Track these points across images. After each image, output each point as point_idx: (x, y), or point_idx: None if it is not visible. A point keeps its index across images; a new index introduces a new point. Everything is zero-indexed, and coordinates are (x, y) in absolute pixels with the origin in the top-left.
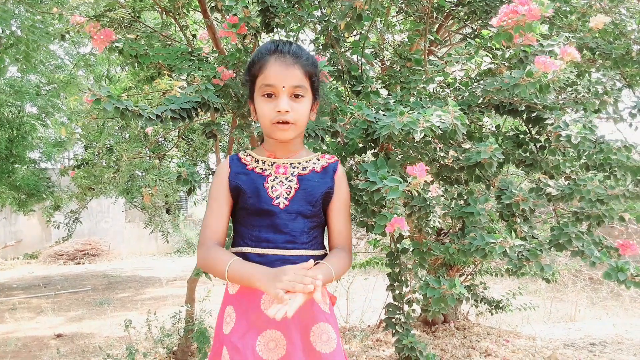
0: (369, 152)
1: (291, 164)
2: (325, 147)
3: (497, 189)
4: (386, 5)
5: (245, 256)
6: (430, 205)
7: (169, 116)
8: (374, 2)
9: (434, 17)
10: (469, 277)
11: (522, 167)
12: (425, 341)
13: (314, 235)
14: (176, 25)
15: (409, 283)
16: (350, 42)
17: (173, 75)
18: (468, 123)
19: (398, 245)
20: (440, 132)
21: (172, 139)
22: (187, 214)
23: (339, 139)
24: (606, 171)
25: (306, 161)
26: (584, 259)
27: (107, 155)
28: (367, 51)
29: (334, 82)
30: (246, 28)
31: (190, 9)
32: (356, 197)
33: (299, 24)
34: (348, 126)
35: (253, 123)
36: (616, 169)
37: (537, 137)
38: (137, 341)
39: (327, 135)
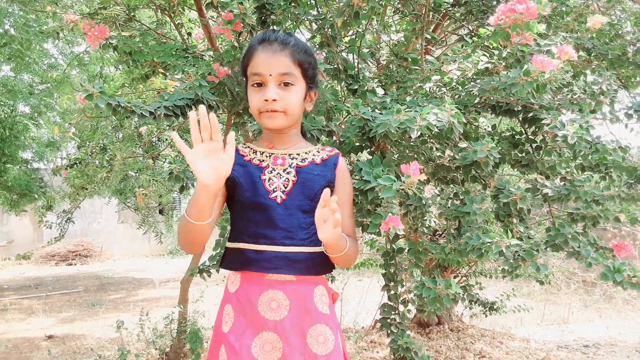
0: (364, 151)
1: (290, 155)
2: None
3: (495, 189)
4: (383, 4)
5: (242, 252)
6: (426, 204)
7: (162, 113)
8: (371, 1)
9: (431, 16)
10: (464, 278)
11: (518, 168)
12: (419, 343)
13: (314, 231)
14: (171, 24)
15: (404, 283)
16: (346, 40)
17: (168, 74)
18: (465, 122)
19: (394, 245)
20: (437, 130)
21: (166, 139)
22: (181, 215)
23: (334, 138)
24: (602, 172)
25: (305, 152)
26: (580, 259)
27: (100, 154)
28: (364, 50)
29: (330, 80)
30: (241, 25)
31: (185, 7)
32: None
33: (295, 22)
34: (344, 125)
35: (248, 122)
36: (612, 169)
37: (533, 137)
38: (129, 342)
39: (322, 135)
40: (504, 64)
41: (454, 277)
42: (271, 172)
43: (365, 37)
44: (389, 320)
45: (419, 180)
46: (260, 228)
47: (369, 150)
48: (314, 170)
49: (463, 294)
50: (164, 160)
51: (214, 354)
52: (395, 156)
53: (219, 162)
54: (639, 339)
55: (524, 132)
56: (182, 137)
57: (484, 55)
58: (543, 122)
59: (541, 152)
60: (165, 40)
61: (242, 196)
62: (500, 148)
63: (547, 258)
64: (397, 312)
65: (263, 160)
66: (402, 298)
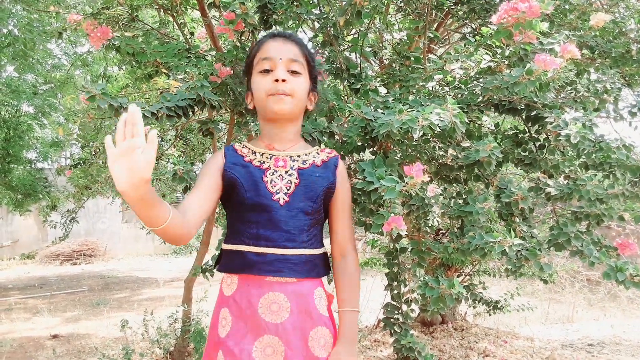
0: (367, 151)
1: (291, 157)
2: (323, 147)
3: (497, 188)
4: (386, 3)
5: (242, 255)
6: (429, 204)
7: (165, 114)
8: (373, 0)
9: (434, 15)
10: (467, 277)
11: (521, 166)
12: (423, 342)
13: (314, 234)
14: (174, 23)
15: (407, 283)
16: (349, 39)
17: (170, 74)
18: (467, 121)
19: (397, 245)
20: (439, 130)
21: (170, 139)
22: None
23: (337, 138)
24: (605, 170)
25: (306, 154)
26: (583, 258)
27: (104, 154)
28: (366, 49)
29: (333, 80)
30: (243, 25)
31: (188, 7)
32: (354, 196)
33: (297, 21)
34: (346, 125)
35: (251, 122)
36: (616, 168)
37: (537, 136)
38: (134, 342)
39: (324, 137)
40: (506, 62)
41: (458, 276)
42: (273, 173)
43: (367, 36)
44: (392, 320)
45: (422, 180)
46: (261, 229)
47: (371, 150)
48: (315, 172)
49: (466, 294)
50: (167, 160)
51: (210, 358)
52: (398, 155)
53: (133, 164)
54: None
55: (527, 130)
56: (184, 136)
57: (486, 53)
58: (546, 120)
59: (544, 150)
60: (168, 40)
61: (243, 197)
62: (503, 147)
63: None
64: (400, 311)
65: (264, 162)
66: (405, 297)
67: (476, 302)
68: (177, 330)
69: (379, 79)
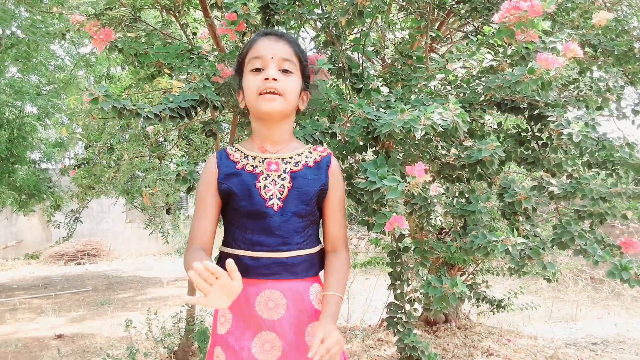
0: (369, 150)
1: (283, 159)
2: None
3: (499, 187)
4: (388, 2)
5: (238, 259)
6: (431, 203)
7: (168, 115)
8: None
9: (436, 14)
10: (470, 276)
11: (524, 165)
12: (426, 341)
13: (309, 234)
14: (176, 24)
15: (410, 282)
16: (351, 39)
17: (173, 74)
18: (469, 121)
19: (399, 244)
20: (441, 129)
21: (172, 139)
22: (188, 214)
23: (339, 137)
24: (608, 169)
25: (298, 155)
26: (587, 257)
27: (107, 154)
28: (368, 49)
29: (335, 79)
30: (245, 25)
31: (190, 7)
32: (357, 196)
33: (299, 21)
34: (348, 124)
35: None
36: (619, 166)
37: (539, 134)
38: (138, 341)
39: (326, 137)
40: (508, 61)
41: (461, 275)
42: (266, 178)
43: (369, 35)
44: (395, 319)
45: (424, 180)
46: (255, 235)
47: (373, 149)
48: (307, 174)
49: (470, 293)
50: (170, 160)
51: (209, 355)
52: (400, 155)
53: (229, 290)
54: None
55: (529, 129)
56: (187, 136)
57: (488, 52)
58: (549, 119)
59: (547, 149)
60: (170, 41)
61: (238, 205)
62: (505, 146)
63: (555, 255)
64: (403, 310)
65: (256, 166)
66: (408, 297)
67: (479, 301)
68: (181, 329)
69: (381, 79)
